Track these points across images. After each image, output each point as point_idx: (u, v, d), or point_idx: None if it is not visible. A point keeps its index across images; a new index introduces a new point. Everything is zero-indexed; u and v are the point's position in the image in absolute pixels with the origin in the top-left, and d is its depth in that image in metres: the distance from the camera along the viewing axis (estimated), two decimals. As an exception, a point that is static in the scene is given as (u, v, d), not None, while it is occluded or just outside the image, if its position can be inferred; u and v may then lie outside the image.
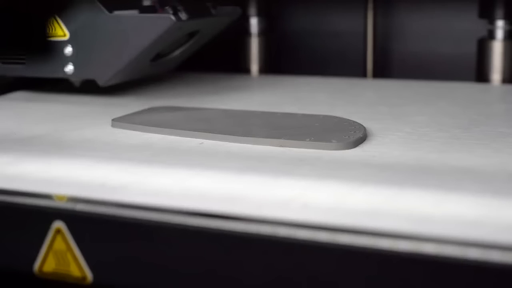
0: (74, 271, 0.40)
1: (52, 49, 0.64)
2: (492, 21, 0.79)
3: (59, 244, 0.40)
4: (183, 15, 0.62)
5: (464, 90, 0.73)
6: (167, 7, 0.63)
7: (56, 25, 0.65)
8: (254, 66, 0.89)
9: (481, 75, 0.80)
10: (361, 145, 0.50)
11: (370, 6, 0.85)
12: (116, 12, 0.64)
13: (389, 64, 0.88)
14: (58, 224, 0.40)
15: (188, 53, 0.75)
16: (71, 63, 0.66)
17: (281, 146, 0.50)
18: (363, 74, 0.86)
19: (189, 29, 0.68)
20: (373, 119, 0.58)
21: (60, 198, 0.41)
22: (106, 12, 0.64)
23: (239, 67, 0.89)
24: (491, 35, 0.79)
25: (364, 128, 0.53)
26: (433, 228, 0.34)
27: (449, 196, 0.39)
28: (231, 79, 0.83)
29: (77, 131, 0.57)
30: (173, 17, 0.61)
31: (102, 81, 0.66)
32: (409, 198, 0.39)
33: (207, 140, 0.52)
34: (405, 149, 0.49)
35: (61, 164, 0.47)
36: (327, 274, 0.34)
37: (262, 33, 0.88)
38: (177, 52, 0.72)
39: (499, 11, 0.78)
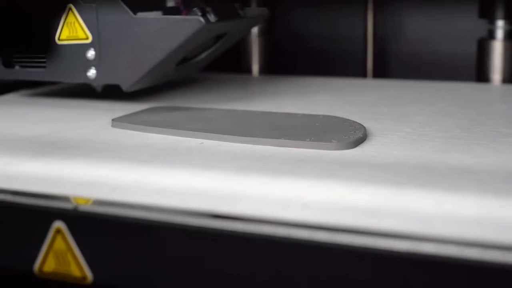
0: (74, 271, 0.40)
1: (73, 52, 0.64)
2: (492, 21, 0.79)
3: (59, 244, 0.40)
4: (212, 17, 0.59)
5: (464, 90, 0.73)
6: (195, 9, 0.59)
7: (78, 27, 0.63)
8: (255, 66, 0.89)
9: (481, 75, 0.80)
10: (361, 145, 0.50)
11: (370, 6, 0.85)
12: (142, 14, 0.61)
13: (389, 64, 0.88)
14: (58, 224, 0.40)
15: (213, 57, 0.72)
16: (93, 67, 0.63)
17: (281, 146, 0.50)
18: (363, 74, 0.86)
19: (217, 31, 0.65)
20: (373, 119, 0.58)
21: (60, 198, 0.41)
22: (132, 14, 0.61)
23: (239, 67, 0.89)
24: (491, 35, 0.79)
25: (364, 128, 0.53)
26: (433, 228, 0.34)
27: (449, 196, 0.39)
28: (232, 79, 0.83)
29: (77, 131, 0.57)
30: (202, 19, 0.58)
31: (126, 86, 0.63)
32: (409, 198, 0.39)
33: (207, 140, 0.52)
34: (405, 149, 0.49)
35: (61, 164, 0.47)
36: (326, 274, 0.34)
37: (263, 33, 0.88)
38: (202, 56, 0.70)
39: (499, 11, 0.78)
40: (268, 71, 0.89)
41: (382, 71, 0.88)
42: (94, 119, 0.61)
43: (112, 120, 0.58)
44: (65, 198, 0.40)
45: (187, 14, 0.63)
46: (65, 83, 0.81)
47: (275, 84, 0.79)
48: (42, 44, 0.65)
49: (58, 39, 0.64)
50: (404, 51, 0.87)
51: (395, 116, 0.60)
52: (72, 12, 0.63)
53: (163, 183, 0.43)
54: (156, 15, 0.62)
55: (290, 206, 0.38)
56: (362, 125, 0.54)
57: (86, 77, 0.64)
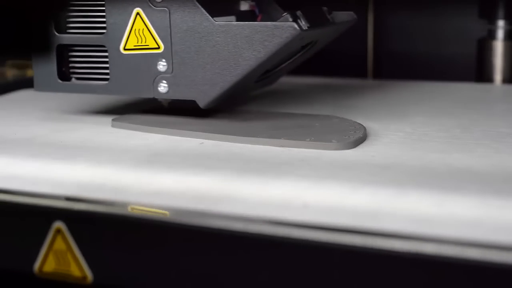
0: (75, 271, 0.40)
1: (142, 63, 0.55)
2: (492, 21, 0.79)
3: (59, 244, 0.40)
4: (304, 24, 0.51)
5: (464, 90, 0.73)
6: (285, 14, 0.51)
7: (147, 34, 0.55)
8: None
9: (481, 75, 0.80)
10: (361, 145, 0.50)
11: (370, 6, 0.85)
12: (220, 19, 0.54)
13: (389, 64, 0.88)
14: (58, 224, 0.40)
15: (293, 67, 0.64)
16: (165, 81, 0.55)
17: (281, 146, 0.50)
18: (363, 74, 0.86)
19: (308, 39, 0.57)
20: (373, 119, 0.58)
21: (60, 198, 0.41)
22: (212, 20, 0.53)
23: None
24: (491, 35, 0.79)
25: (364, 128, 0.53)
26: (433, 228, 0.34)
27: (449, 196, 0.39)
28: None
29: (77, 131, 0.57)
30: (296, 26, 0.50)
31: (203, 103, 0.54)
32: (409, 198, 0.39)
33: (207, 140, 0.52)
34: (405, 149, 0.49)
35: (61, 164, 0.47)
36: (325, 274, 0.34)
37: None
38: (283, 65, 0.61)
39: (499, 11, 0.79)
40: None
41: (382, 71, 0.88)
42: (94, 119, 0.61)
43: (112, 120, 0.58)
44: (65, 198, 0.40)
45: (262, 19, 0.58)
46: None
47: (274, 85, 0.79)
48: (105, 54, 0.57)
49: (124, 48, 0.56)
50: (404, 51, 0.87)
51: (395, 116, 0.60)
52: (141, 17, 0.55)
53: (163, 183, 0.43)
54: (245, 22, 0.53)
55: (290, 206, 0.38)
56: (362, 125, 0.54)
57: (156, 91, 0.56)
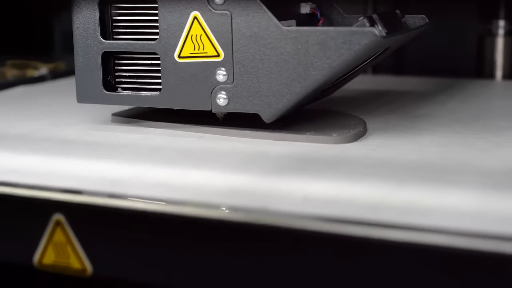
0: (74, 263, 0.40)
1: (199, 72, 0.50)
2: (492, 20, 0.79)
3: (58, 236, 0.40)
4: (382, 29, 0.46)
5: (464, 86, 0.73)
6: (362, 18, 0.46)
7: (206, 41, 0.50)
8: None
9: (481, 71, 0.80)
10: (361, 139, 0.50)
11: (370, 5, 0.85)
12: (285, 25, 0.48)
13: (390, 60, 0.88)
14: (57, 216, 0.40)
15: (357, 75, 0.58)
16: (224, 92, 0.50)
17: (281, 140, 0.50)
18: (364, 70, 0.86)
19: (384, 46, 0.51)
20: (373, 113, 0.58)
21: (60, 190, 0.41)
22: (280, 25, 0.47)
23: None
24: (491, 32, 0.79)
25: (364, 122, 0.53)
26: (433, 220, 0.34)
27: (449, 189, 0.39)
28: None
29: (77, 125, 0.57)
30: (377, 32, 0.44)
31: (268, 116, 0.49)
32: (409, 191, 0.38)
33: (207, 134, 0.52)
34: (405, 143, 0.49)
35: (61, 157, 0.47)
36: (324, 266, 0.34)
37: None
38: (348, 75, 0.55)
39: (499, 11, 0.79)
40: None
41: (383, 67, 0.88)
42: (94, 113, 0.61)
43: (112, 114, 0.58)
44: (64, 191, 0.40)
45: (323, 23, 0.54)
46: (62, 78, 0.81)
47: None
48: (156, 62, 0.52)
49: (179, 56, 0.51)
50: (405, 48, 0.87)
51: (395, 111, 0.60)
52: (199, 21, 0.50)
53: (163, 176, 0.43)
54: (318, 28, 0.47)
55: (290, 200, 0.38)
56: (362, 119, 0.54)
57: (215, 104, 0.50)
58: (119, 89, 0.54)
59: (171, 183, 0.41)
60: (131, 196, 0.39)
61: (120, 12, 0.53)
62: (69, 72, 0.86)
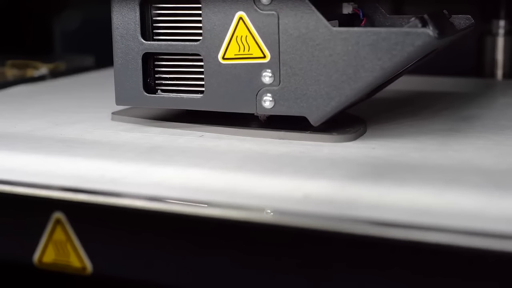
0: (74, 262, 0.40)
1: (243, 74, 0.49)
2: (492, 20, 0.79)
3: (59, 234, 0.40)
4: (435, 30, 0.44)
5: (465, 85, 0.73)
6: (413, 18, 0.45)
7: (251, 42, 0.48)
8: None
9: (482, 70, 0.80)
10: (361, 138, 0.50)
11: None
12: (343, 27, 0.47)
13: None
14: (58, 215, 0.40)
15: (401, 76, 0.56)
16: (270, 94, 0.49)
17: (281, 138, 0.50)
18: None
19: (433, 48, 0.49)
20: (373, 112, 0.58)
21: (60, 188, 0.41)
22: (330, 26, 0.46)
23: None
24: (491, 32, 0.79)
25: (365, 121, 0.53)
26: (433, 219, 0.34)
27: (449, 188, 0.39)
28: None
29: (77, 124, 0.57)
30: (431, 33, 0.43)
31: (315, 119, 0.48)
32: (410, 190, 0.38)
33: (207, 133, 0.52)
34: (405, 141, 0.49)
35: (61, 156, 0.47)
36: (324, 266, 0.34)
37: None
38: (395, 76, 0.54)
39: (500, 11, 0.79)
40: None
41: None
42: (94, 112, 0.61)
43: (112, 113, 0.58)
44: (64, 189, 0.40)
45: (366, 23, 0.53)
46: (62, 77, 0.81)
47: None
48: (199, 64, 0.51)
49: (223, 57, 0.50)
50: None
51: (395, 110, 0.60)
52: (244, 22, 0.49)
53: (163, 174, 0.43)
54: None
55: (290, 198, 0.38)
56: (362, 118, 0.54)
57: (260, 106, 0.49)
58: (158, 91, 0.53)
59: (171, 181, 0.41)
60: (131, 195, 0.39)
61: (161, 13, 0.52)
62: (69, 71, 0.86)
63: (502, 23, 0.78)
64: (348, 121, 0.53)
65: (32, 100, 0.68)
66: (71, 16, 1.06)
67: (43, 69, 0.85)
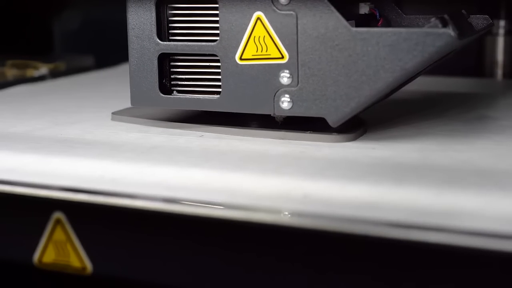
0: (74, 262, 0.40)
1: (261, 75, 0.49)
2: (492, 20, 0.79)
3: (59, 234, 0.40)
4: (454, 29, 0.43)
5: (465, 85, 0.73)
6: (433, 19, 0.45)
7: (269, 42, 0.48)
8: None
9: (482, 70, 0.80)
10: (361, 138, 0.50)
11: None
12: (363, 28, 0.46)
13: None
14: (58, 215, 0.40)
15: (418, 77, 0.55)
16: (288, 95, 0.48)
17: (281, 138, 0.50)
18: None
19: (453, 48, 0.48)
20: (373, 112, 0.58)
21: (60, 188, 0.41)
22: (349, 26, 0.46)
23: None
24: (491, 32, 0.79)
25: (365, 121, 0.53)
26: (433, 219, 0.34)
27: (449, 187, 0.39)
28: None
29: (77, 124, 0.57)
30: (452, 33, 0.43)
31: (334, 120, 0.48)
32: (410, 190, 0.38)
33: (207, 133, 0.52)
34: (405, 142, 0.49)
35: (61, 156, 0.47)
36: (324, 266, 0.34)
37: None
38: (413, 76, 0.52)
39: (500, 11, 0.79)
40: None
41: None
42: (94, 112, 0.61)
43: (112, 113, 0.58)
44: (64, 189, 0.40)
45: (383, 24, 0.53)
46: (62, 77, 0.81)
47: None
48: (216, 64, 0.50)
49: (240, 58, 0.49)
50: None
51: (395, 110, 0.60)
52: (262, 22, 0.48)
53: (163, 174, 0.43)
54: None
55: (290, 198, 0.38)
56: (362, 118, 0.54)
57: (278, 107, 0.49)
58: (174, 92, 0.53)
59: (171, 181, 0.41)
60: (131, 195, 0.39)
61: (178, 13, 0.52)
62: (69, 72, 0.86)
63: (502, 23, 0.78)
64: (348, 121, 0.53)
65: (32, 100, 0.68)
66: (71, 16, 1.06)
67: (43, 69, 0.84)
